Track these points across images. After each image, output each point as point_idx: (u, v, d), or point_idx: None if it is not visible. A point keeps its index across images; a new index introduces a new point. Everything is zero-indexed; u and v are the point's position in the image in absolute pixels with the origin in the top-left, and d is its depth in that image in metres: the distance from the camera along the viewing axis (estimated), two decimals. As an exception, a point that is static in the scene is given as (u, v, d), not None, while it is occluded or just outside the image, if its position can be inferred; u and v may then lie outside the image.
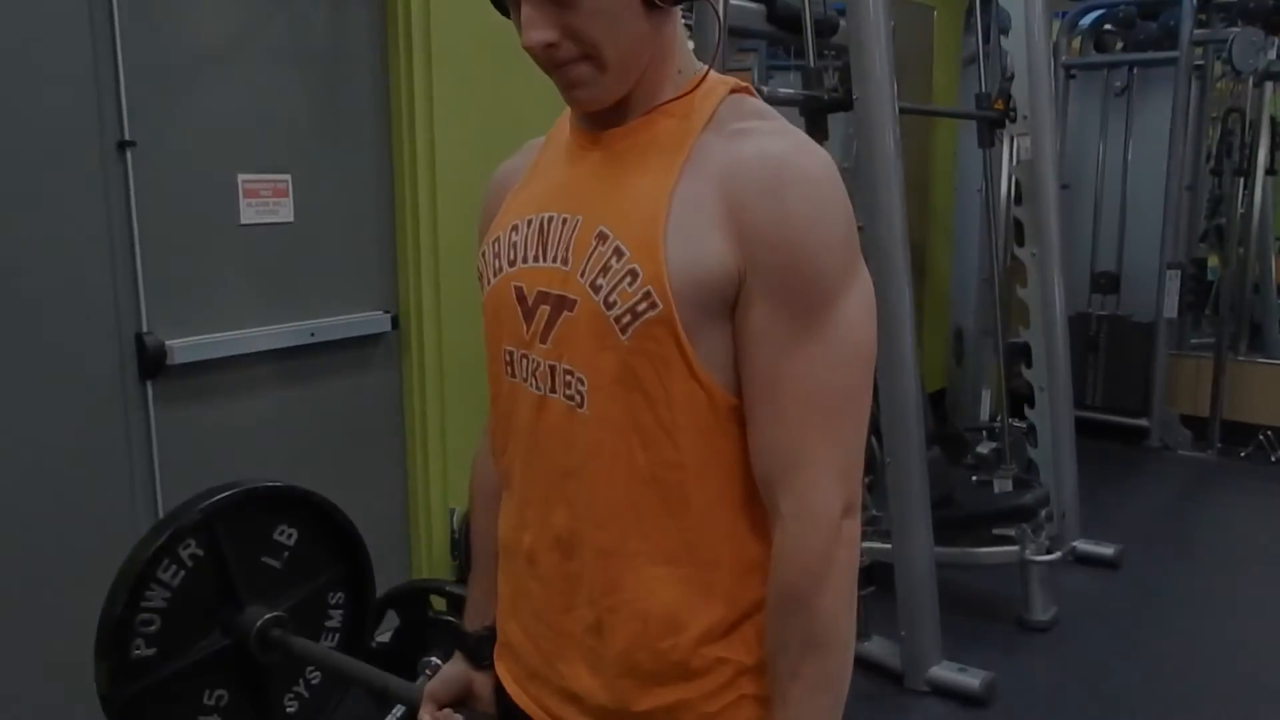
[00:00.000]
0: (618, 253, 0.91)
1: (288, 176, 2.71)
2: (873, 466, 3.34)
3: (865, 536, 3.16)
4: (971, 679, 2.85)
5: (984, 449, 4.27)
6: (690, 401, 0.92)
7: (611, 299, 0.91)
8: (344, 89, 2.84)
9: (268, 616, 1.69)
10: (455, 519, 3.12)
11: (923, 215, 5.19)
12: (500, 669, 1.14)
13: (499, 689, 1.15)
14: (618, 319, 0.91)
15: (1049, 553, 3.31)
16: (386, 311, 2.99)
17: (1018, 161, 3.89)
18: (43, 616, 2.28)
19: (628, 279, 0.90)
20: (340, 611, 1.86)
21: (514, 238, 1.01)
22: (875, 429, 3.15)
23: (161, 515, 2.46)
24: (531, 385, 0.99)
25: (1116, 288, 5.53)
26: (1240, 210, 5.29)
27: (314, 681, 1.84)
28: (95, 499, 2.35)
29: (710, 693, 0.98)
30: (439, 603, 2.38)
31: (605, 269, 0.92)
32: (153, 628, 1.62)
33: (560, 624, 1.02)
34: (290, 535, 1.77)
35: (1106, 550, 3.81)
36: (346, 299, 2.91)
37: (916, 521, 2.94)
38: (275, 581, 1.75)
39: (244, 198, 2.63)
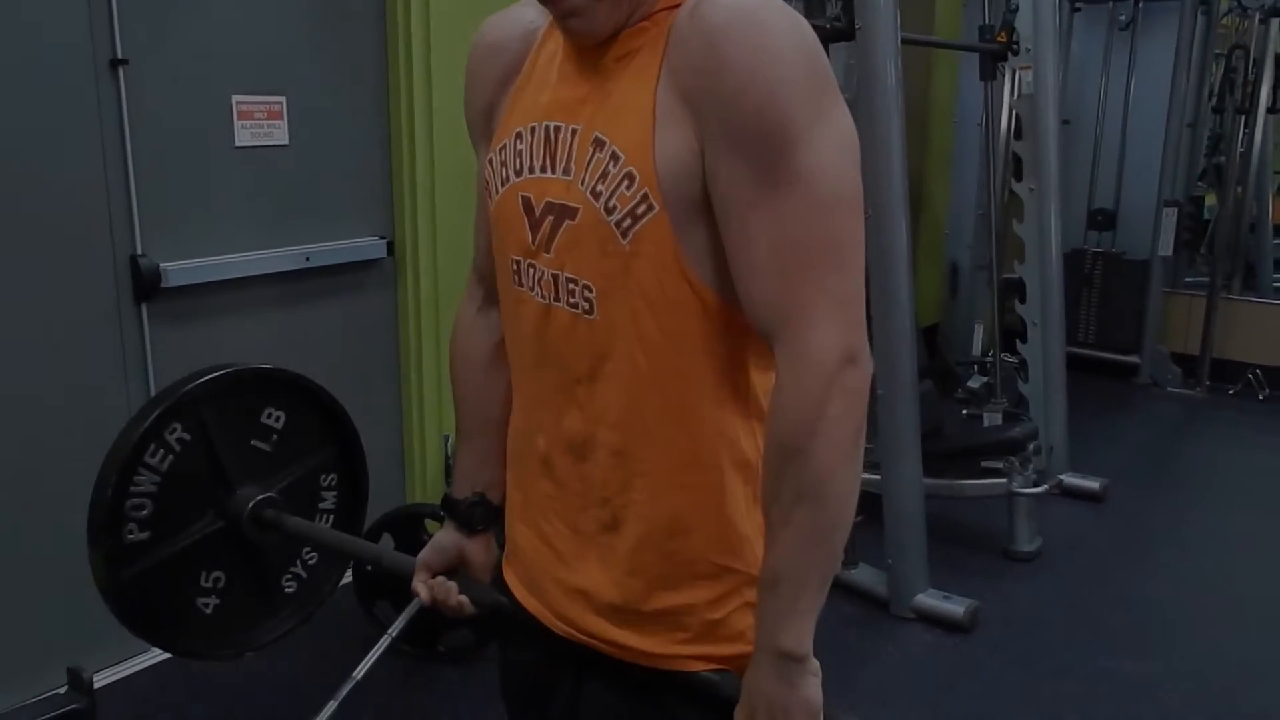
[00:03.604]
0: (614, 158, 0.91)
1: (282, 99, 2.69)
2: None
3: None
4: (955, 606, 2.91)
5: (975, 383, 4.32)
6: (685, 305, 0.92)
7: (612, 204, 0.91)
8: (340, 9, 2.80)
9: (260, 497, 1.70)
10: (450, 445, 3.15)
11: (921, 149, 5.16)
12: (509, 574, 1.15)
13: (502, 582, 1.16)
14: (618, 224, 0.91)
15: (1035, 486, 3.36)
16: (382, 237, 2.98)
17: (1019, 95, 3.87)
18: (45, 536, 2.32)
19: (625, 183, 0.90)
20: (334, 494, 1.87)
21: (519, 145, 1.00)
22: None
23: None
24: (537, 294, 1.00)
25: (1113, 225, 5.53)
26: (1240, 149, 5.26)
27: (311, 562, 1.87)
28: (92, 421, 2.37)
29: (715, 599, 1.00)
30: (434, 527, 2.42)
31: (604, 175, 0.91)
32: (144, 512, 1.63)
33: (575, 522, 1.03)
34: (278, 418, 1.77)
35: (1093, 484, 3.86)
36: (342, 224, 2.90)
37: (905, 453, 2.98)
38: (266, 464, 1.76)
39: (238, 119, 2.61)
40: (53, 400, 2.35)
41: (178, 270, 2.51)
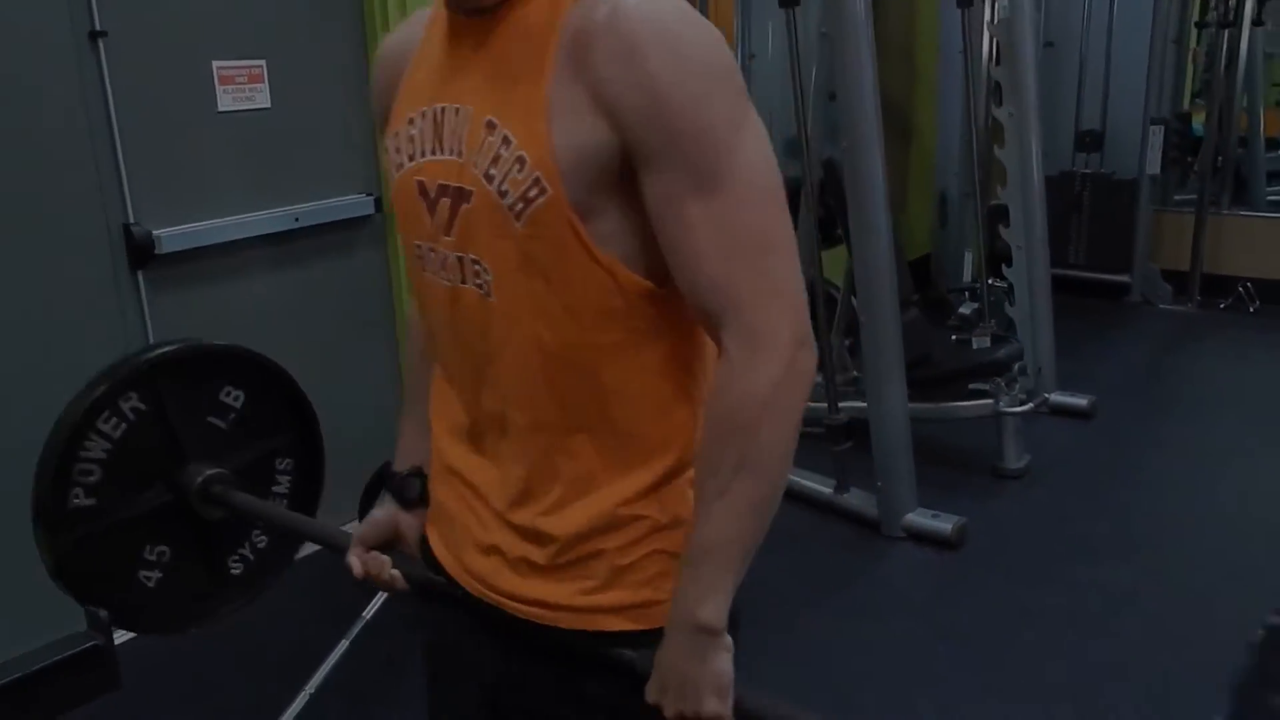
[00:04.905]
0: (505, 141, 0.92)
1: (262, 62, 2.74)
2: (853, 328, 3.44)
3: (845, 396, 3.29)
4: (944, 524, 3.01)
5: (965, 309, 4.38)
6: (592, 284, 0.94)
7: (504, 188, 0.92)
8: (312, -30, 2.83)
9: (211, 472, 1.68)
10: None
11: (908, 79, 5.16)
12: (431, 534, 1.17)
13: (427, 548, 1.18)
14: (511, 207, 0.92)
15: (1022, 405, 3.43)
16: (369, 194, 3.04)
17: (996, 20, 3.88)
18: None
19: (516, 166, 0.91)
20: (288, 478, 1.85)
21: (411, 131, 1.02)
22: (853, 289, 3.24)
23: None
24: (443, 278, 1.01)
25: (1100, 146, 5.53)
26: (1224, 63, 5.25)
27: (260, 545, 1.84)
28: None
29: (624, 545, 1.01)
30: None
31: (496, 159, 0.92)
32: (92, 478, 1.61)
33: (493, 491, 1.05)
34: (237, 397, 1.75)
35: (1081, 401, 3.94)
36: (329, 183, 2.96)
37: (890, 377, 3.05)
38: (221, 441, 1.74)
39: (220, 85, 2.66)
40: (54, 371, 2.40)
41: (171, 236, 2.58)
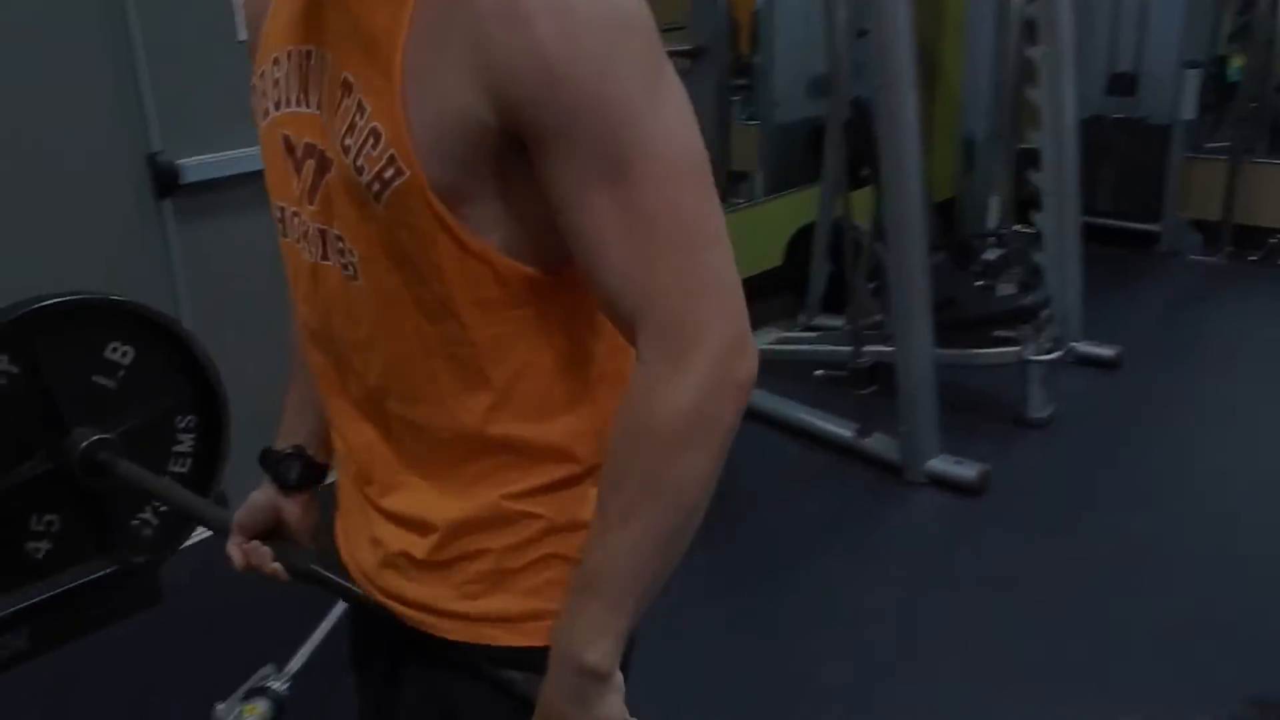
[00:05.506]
0: (360, 108, 0.79)
1: (283, -11, 2.68)
2: (878, 271, 3.40)
3: (869, 340, 3.26)
4: (967, 470, 2.99)
5: (990, 255, 4.32)
6: (466, 275, 0.81)
7: (360, 163, 0.79)
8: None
9: (94, 439, 1.54)
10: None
11: (935, 19, 5.05)
12: (337, 526, 1.06)
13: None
14: (369, 186, 0.79)
15: (1049, 353, 3.39)
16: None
17: (1032, -45, 3.77)
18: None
19: (371, 141, 0.78)
20: (191, 437, 1.72)
21: (276, 73, 0.89)
22: (880, 234, 3.19)
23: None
24: (305, 250, 0.89)
25: (1133, 89, 5.39)
26: (1264, 4, 5.10)
27: (163, 508, 1.72)
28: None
29: (513, 546, 0.91)
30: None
31: (352, 127, 0.79)
32: None
33: (376, 475, 0.96)
34: (125, 353, 1.60)
35: (1107, 351, 3.89)
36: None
37: (917, 321, 3.02)
38: (109, 403, 1.58)
39: (240, 13, 2.61)
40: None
41: (195, 166, 2.56)
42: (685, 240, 0.77)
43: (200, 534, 1.87)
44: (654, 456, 0.78)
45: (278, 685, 1.96)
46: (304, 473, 1.10)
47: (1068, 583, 2.60)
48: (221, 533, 1.17)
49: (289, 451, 1.10)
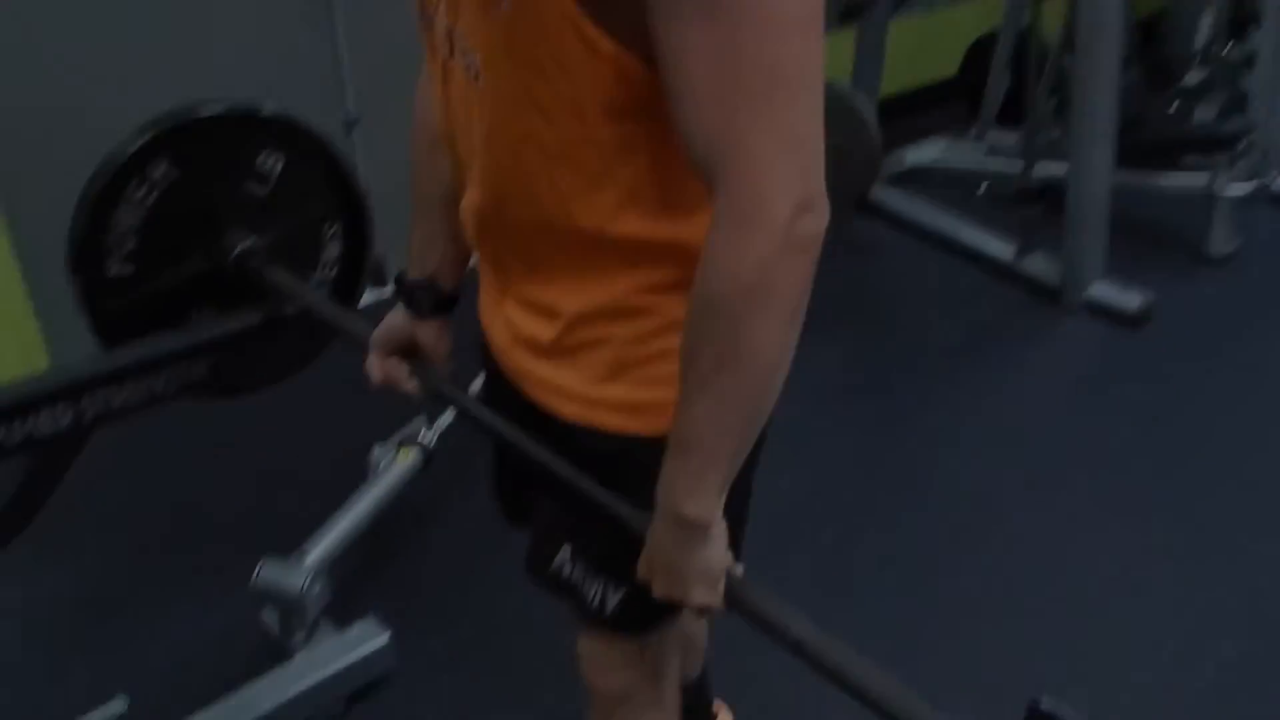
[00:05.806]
0: None
1: None
2: (1060, 86, 3.17)
3: (1042, 156, 3.07)
4: (1131, 298, 2.84)
5: (1192, 79, 3.96)
6: (591, 73, 0.80)
7: None
8: None
9: (245, 245, 1.62)
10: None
11: None
12: (480, 299, 1.11)
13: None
14: None
15: (1242, 186, 3.13)
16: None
17: None
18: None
19: None
20: (338, 243, 1.78)
21: None
22: (1070, 44, 2.96)
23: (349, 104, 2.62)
24: (444, 49, 0.91)
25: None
26: None
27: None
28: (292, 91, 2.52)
29: (634, 337, 0.95)
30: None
31: None
32: (129, 247, 1.58)
33: (505, 262, 1.01)
34: (276, 163, 1.65)
35: (1308, 190, 3.56)
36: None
37: (1098, 139, 2.81)
38: (260, 209, 1.65)
39: None
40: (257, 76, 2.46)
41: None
42: (772, 92, 0.74)
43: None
44: (724, 325, 0.78)
45: (427, 438, 2.11)
46: (436, 303, 1.16)
47: (1228, 421, 2.50)
48: (360, 346, 1.23)
49: (419, 283, 1.15)
